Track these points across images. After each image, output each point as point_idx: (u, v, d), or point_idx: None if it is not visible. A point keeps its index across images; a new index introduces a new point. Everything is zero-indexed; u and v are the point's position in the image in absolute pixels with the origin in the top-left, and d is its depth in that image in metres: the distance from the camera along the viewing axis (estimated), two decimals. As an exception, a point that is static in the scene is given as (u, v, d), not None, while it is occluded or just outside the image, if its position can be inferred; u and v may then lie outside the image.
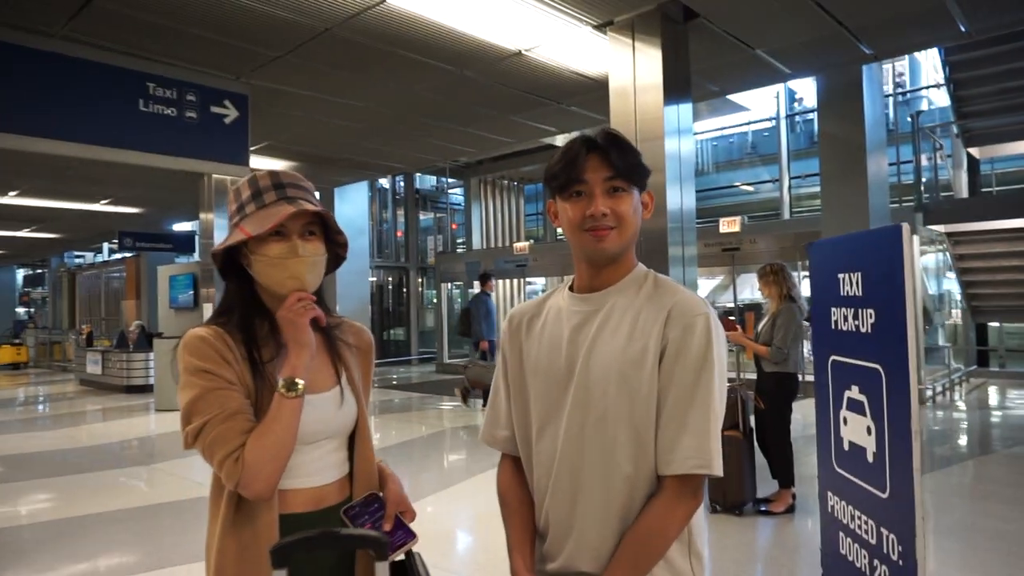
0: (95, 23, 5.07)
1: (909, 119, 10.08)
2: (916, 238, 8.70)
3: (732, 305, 11.31)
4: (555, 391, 1.31)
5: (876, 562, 1.89)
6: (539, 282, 15.74)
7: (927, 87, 14.23)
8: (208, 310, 9.79)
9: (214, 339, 1.28)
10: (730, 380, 4.68)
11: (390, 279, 17.59)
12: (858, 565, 2.00)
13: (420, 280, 17.17)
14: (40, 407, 11.91)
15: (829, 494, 2.23)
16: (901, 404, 1.73)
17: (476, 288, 10.60)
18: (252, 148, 8.79)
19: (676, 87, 5.39)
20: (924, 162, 9.57)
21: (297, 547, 1.14)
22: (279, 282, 1.32)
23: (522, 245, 13.19)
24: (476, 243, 15.49)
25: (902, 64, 15.62)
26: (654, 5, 5.13)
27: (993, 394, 9.79)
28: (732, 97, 9.25)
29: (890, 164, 10.31)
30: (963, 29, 5.78)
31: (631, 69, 5.41)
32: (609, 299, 1.32)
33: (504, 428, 1.41)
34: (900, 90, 15.23)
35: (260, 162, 9.60)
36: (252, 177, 1.38)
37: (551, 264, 13.09)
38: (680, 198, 5.38)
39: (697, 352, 1.22)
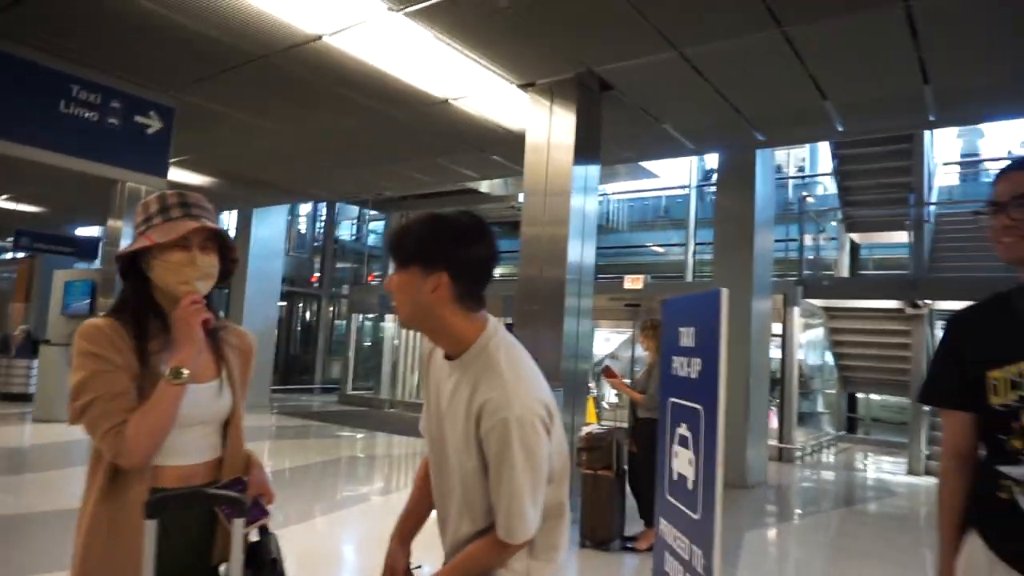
0: (25, 20, 5.08)
1: (799, 201, 11.04)
2: (796, 309, 9.50)
3: (629, 356, 11.86)
4: (435, 430, 1.58)
5: (688, 575, 2.22)
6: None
7: (822, 174, 15.55)
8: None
9: (108, 328, 1.47)
10: (605, 425, 5.04)
11: (301, 305, 17.40)
12: (676, 578, 2.32)
13: (332, 309, 17.06)
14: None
15: (661, 520, 2.55)
16: (713, 438, 2.08)
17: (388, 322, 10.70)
18: (173, 160, 8.73)
19: (586, 149, 5.85)
20: (809, 242, 10.49)
21: (168, 501, 1.35)
22: (176, 286, 1.54)
23: (437, 283, 13.42)
24: (392, 277, 15.57)
25: (803, 150, 17.04)
26: (572, 74, 5.60)
27: (857, 457, 10.64)
28: (645, 164, 9.94)
29: (783, 241, 11.25)
30: (840, 129, 6.54)
31: (547, 128, 5.84)
32: (456, 372, 1.52)
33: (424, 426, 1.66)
34: (799, 174, 16.57)
35: (181, 175, 9.52)
36: (161, 194, 1.59)
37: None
38: (580, 252, 5.77)
39: (497, 451, 1.42)
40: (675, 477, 2.37)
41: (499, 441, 1.41)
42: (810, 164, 17.14)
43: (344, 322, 16.00)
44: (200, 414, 1.54)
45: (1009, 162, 1.57)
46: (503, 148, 7.61)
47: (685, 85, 5.63)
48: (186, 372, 1.45)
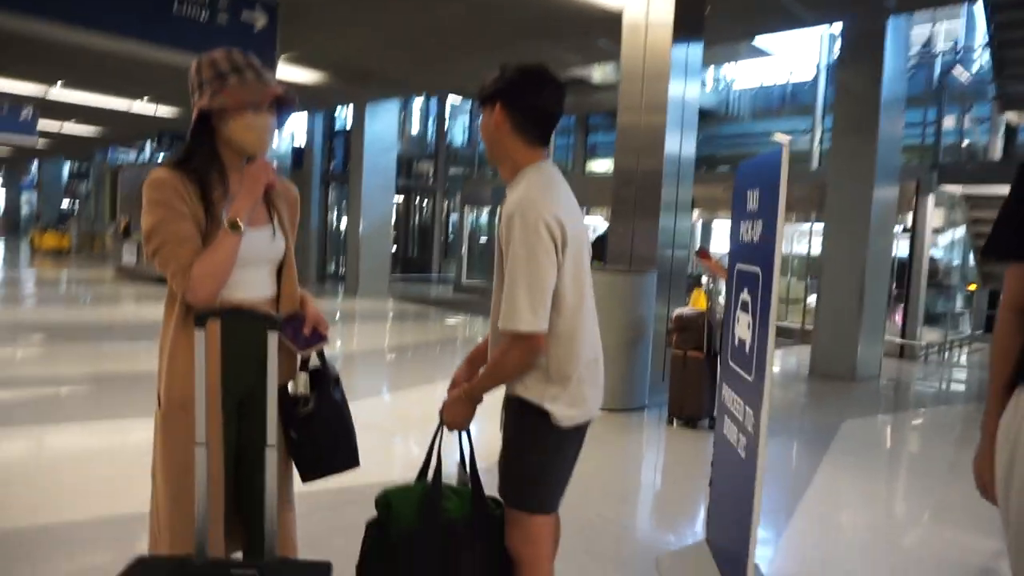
0: (136, -81, 5.33)
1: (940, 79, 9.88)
2: (931, 197, 8.71)
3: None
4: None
5: (740, 435, 2.24)
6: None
7: (973, 48, 13.75)
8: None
9: (172, 179, 1.60)
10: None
11: (417, 199, 17.94)
12: (731, 439, 2.35)
13: (447, 203, 17.47)
14: (79, 288, 12.68)
15: (724, 385, 2.57)
16: (768, 300, 2.04)
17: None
18: (283, 57, 9.06)
19: (688, 26, 5.50)
20: (953, 124, 9.45)
21: (213, 313, 1.56)
22: (251, 143, 1.66)
23: (545, 176, 13.35)
24: (505, 171, 15.67)
25: (957, 23, 15.07)
26: (673, -62, 5.21)
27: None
28: (758, 43, 9.20)
29: (921, 125, 10.20)
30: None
31: (645, 5, 5.52)
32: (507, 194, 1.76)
33: None
34: (947, 49, 14.74)
35: (290, 71, 9.86)
36: (227, 54, 1.69)
37: (580, 192, 13.24)
38: (679, 143, 5.55)
39: (506, 247, 1.63)
40: (736, 343, 2.36)
41: (507, 236, 1.63)
42: (964, 38, 15.18)
43: (458, 215, 16.40)
44: (257, 255, 1.70)
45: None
46: (607, 31, 7.27)
47: (801, -57, 5.11)
48: (243, 224, 1.59)
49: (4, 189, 34.62)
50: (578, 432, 1.80)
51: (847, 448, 4.72)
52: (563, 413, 1.71)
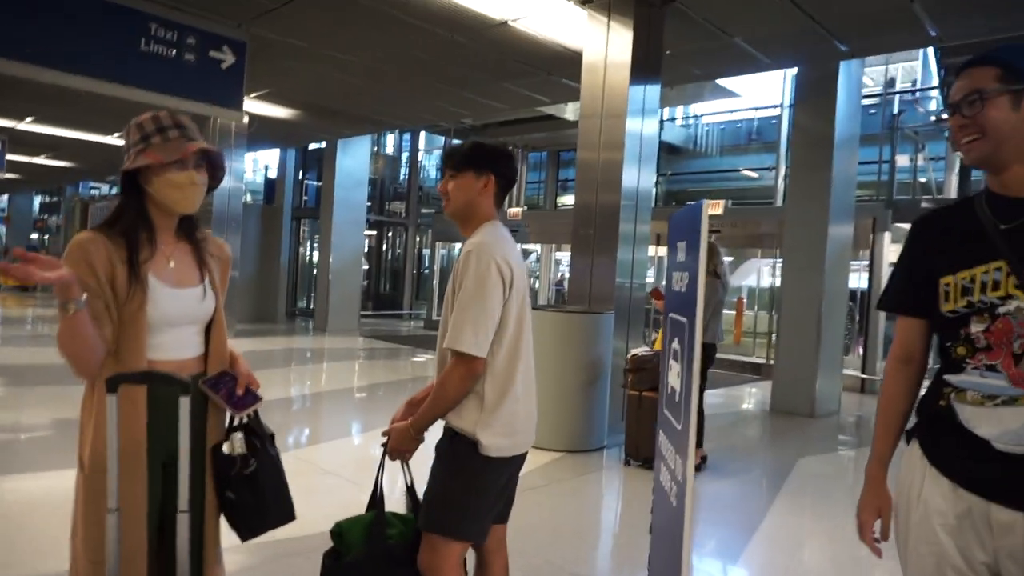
0: (100, -37, 5.39)
1: (891, 119, 10.23)
2: (887, 235, 8.95)
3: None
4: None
5: (672, 483, 2.28)
6: (535, 249, 16.07)
7: (925, 88, 14.26)
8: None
9: (89, 244, 1.61)
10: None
11: (389, 234, 17.97)
12: (665, 487, 2.39)
13: (418, 239, 17.53)
14: (44, 326, 12.47)
15: (659, 432, 2.61)
16: (692, 351, 2.10)
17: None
18: (254, 95, 9.15)
19: (645, 68, 5.66)
20: (906, 162, 9.75)
21: (124, 378, 1.57)
22: (175, 201, 1.70)
23: (516, 211, 13.49)
24: (475, 206, 15.78)
25: (916, 63, 15.63)
26: (629, -13, 5.38)
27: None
28: (725, 84, 9.47)
29: (876, 163, 10.50)
30: (932, 33, 5.99)
31: (604, 47, 5.68)
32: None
33: None
34: (900, 89, 15.26)
35: (262, 108, 9.93)
36: (155, 115, 1.73)
37: (543, 232, 13.40)
38: (637, 177, 5.67)
39: (459, 278, 1.86)
40: (668, 391, 2.41)
41: (461, 270, 1.86)
42: (922, 78, 15.72)
43: (430, 251, 16.45)
44: (186, 315, 1.72)
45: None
46: (568, 70, 7.44)
47: (750, -7, 5.31)
48: (72, 307, 1.51)
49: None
50: (507, 465, 1.94)
51: (800, 487, 4.78)
52: (492, 443, 1.86)
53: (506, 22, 6.25)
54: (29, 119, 11.94)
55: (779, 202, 13.29)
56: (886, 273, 9.23)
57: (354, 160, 13.10)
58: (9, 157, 13.69)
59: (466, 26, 6.37)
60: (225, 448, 1.76)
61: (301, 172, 16.36)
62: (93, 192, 24.66)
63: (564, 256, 15.06)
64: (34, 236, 29.61)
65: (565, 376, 5.15)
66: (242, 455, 1.75)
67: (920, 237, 1.53)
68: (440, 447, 1.95)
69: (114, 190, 23.62)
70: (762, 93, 16.32)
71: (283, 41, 7.05)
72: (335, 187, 12.88)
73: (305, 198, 17.00)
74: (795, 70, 7.99)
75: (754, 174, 16.55)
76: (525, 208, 14.73)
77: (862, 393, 8.84)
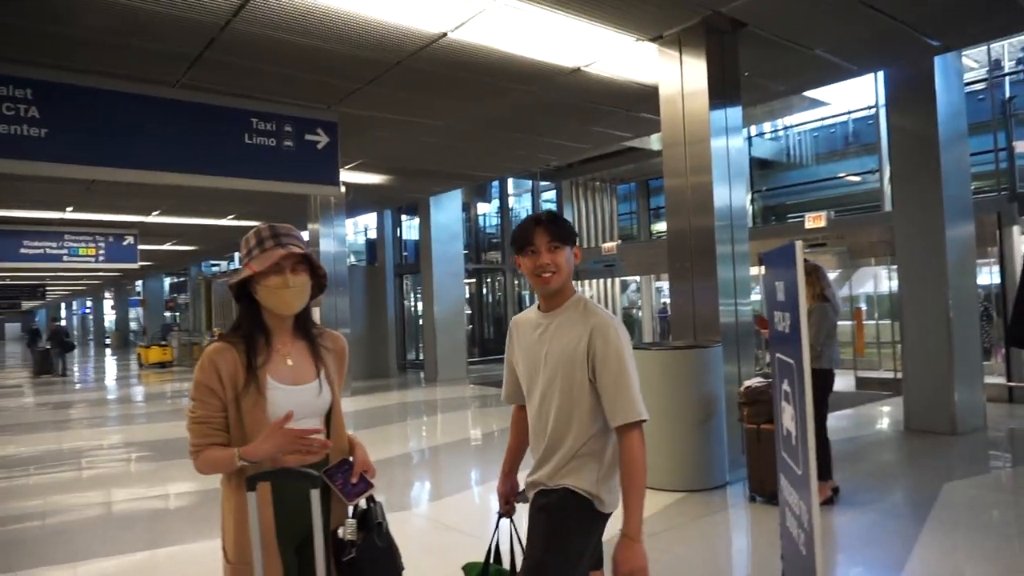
0: (206, 72, 5.94)
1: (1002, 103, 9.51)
2: (1015, 228, 8.27)
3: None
4: (533, 374, 2.10)
5: (799, 531, 2.19)
6: (634, 281, 15.90)
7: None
8: (316, 313, 10.83)
9: (216, 356, 1.78)
10: (766, 376, 4.88)
11: (488, 280, 18.29)
12: (793, 534, 2.29)
13: (516, 283, 17.76)
14: (181, 400, 13.46)
15: (781, 476, 2.52)
16: (803, 396, 2.03)
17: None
18: (349, 166, 9.70)
19: (723, 92, 5.60)
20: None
21: (262, 476, 1.70)
22: (275, 305, 1.84)
23: (610, 245, 13.45)
24: (569, 244, 15.86)
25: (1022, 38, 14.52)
26: (698, 19, 5.37)
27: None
28: (811, 93, 9.18)
29: (996, 151, 9.77)
30: (1034, 15, 5.61)
31: (679, 78, 5.67)
32: (554, 319, 2.07)
33: (513, 389, 2.26)
34: (1016, 70, 14.17)
35: (358, 177, 10.49)
36: (257, 229, 1.90)
37: (639, 264, 13.27)
38: (728, 196, 5.57)
39: (609, 351, 1.96)
40: (784, 433, 2.33)
41: (610, 343, 1.96)
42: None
43: (528, 292, 16.60)
44: (304, 410, 1.83)
45: None
46: (646, 104, 7.47)
47: (825, 4, 5.17)
48: (244, 462, 1.72)
49: (115, 310, 37.47)
50: (607, 519, 2.05)
51: (950, 517, 4.39)
52: (610, 499, 2.00)
53: (579, 68, 6.35)
54: (155, 212, 13.13)
55: (887, 206, 12.59)
56: (1019, 269, 8.51)
57: (447, 214, 13.53)
58: (141, 247, 15.03)
59: (541, 77, 6.53)
60: (339, 532, 1.85)
61: (399, 230, 17.04)
62: (214, 269, 26.59)
63: (665, 284, 14.81)
64: (167, 314, 32.18)
65: (678, 414, 5.05)
66: (350, 541, 1.82)
67: None
68: (550, 507, 1.99)
69: (231, 266, 25.41)
70: (853, 94, 15.60)
71: (369, 115, 7.46)
72: (432, 242, 13.33)
73: (405, 254, 17.64)
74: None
75: (856, 178, 15.77)
76: (619, 241, 14.66)
77: (1011, 403, 8.11)
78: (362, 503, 1.89)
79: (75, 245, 13.48)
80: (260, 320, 1.86)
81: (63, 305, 51.65)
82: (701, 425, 5.02)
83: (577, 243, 2.11)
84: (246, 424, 1.76)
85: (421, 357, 15.86)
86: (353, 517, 1.88)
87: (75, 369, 21.94)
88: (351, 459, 1.88)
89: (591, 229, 16.43)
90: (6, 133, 5.14)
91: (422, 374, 14.50)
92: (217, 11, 4.87)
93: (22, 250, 12.77)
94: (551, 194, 17.67)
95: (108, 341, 37.35)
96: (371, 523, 1.87)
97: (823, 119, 16.13)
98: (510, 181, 18.39)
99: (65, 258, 13.30)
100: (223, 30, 5.17)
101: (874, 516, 4.46)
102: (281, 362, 1.85)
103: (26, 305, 35.98)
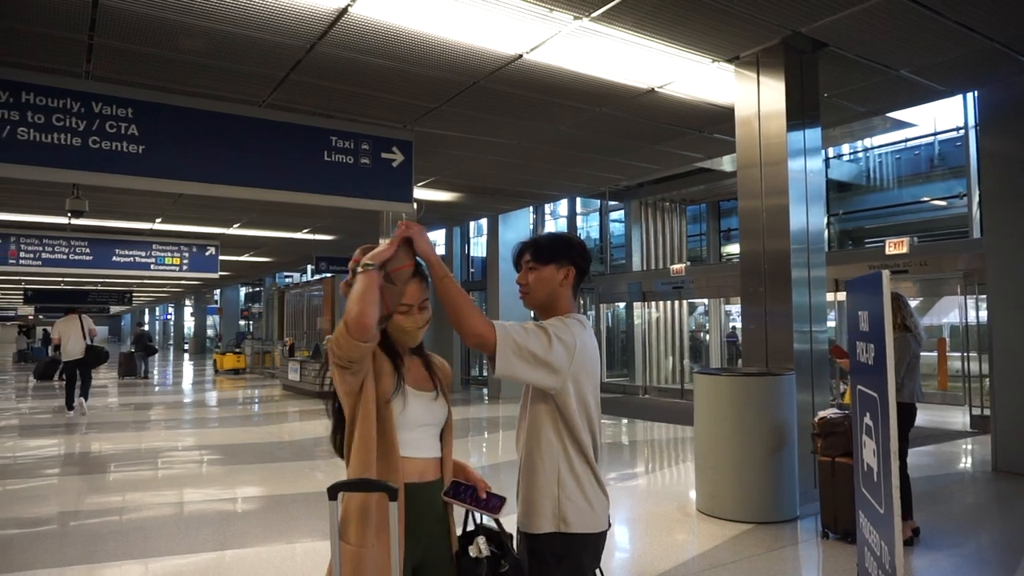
0: (290, 92, 6.20)
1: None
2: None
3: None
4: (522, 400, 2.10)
5: (880, 573, 2.09)
6: (702, 304, 15.61)
7: None
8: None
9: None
10: (843, 408, 4.70)
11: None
12: (872, 575, 2.19)
13: (580, 301, 17.70)
14: (253, 407, 13.93)
15: (860, 513, 2.41)
16: (887, 431, 1.95)
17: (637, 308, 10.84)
18: (421, 183, 9.91)
19: (802, 113, 5.48)
20: None
21: (342, 486, 1.71)
22: (402, 341, 1.94)
23: (678, 267, 13.25)
24: (636, 264, 15.73)
25: None
26: (777, 40, 5.29)
27: None
28: (896, 115, 8.86)
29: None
30: None
31: (755, 99, 5.58)
32: None
33: None
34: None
35: (430, 194, 10.69)
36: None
37: (708, 286, 13.02)
38: (805, 219, 5.42)
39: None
40: (865, 469, 2.24)
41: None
42: None
43: (594, 313, 16.50)
44: (425, 417, 1.91)
45: None
46: (721, 125, 7.37)
47: (911, 24, 5.01)
48: (370, 263, 1.72)
49: (194, 317, 39.19)
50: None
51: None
52: (576, 520, 1.95)
53: (653, 89, 6.33)
54: (236, 225, 13.70)
55: (975, 232, 12.00)
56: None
57: (515, 232, 13.62)
58: (221, 258, 15.69)
59: (614, 98, 6.53)
60: (472, 551, 1.87)
61: (467, 247, 17.24)
62: (287, 280, 27.47)
63: (735, 308, 14.50)
64: (242, 323, 33.40)
65: (748, 442, 4.91)
66: (488, 557, 1.84)
67: None
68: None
69: (303, 278, 26.21)
70: (939, 114, 14.98)
71: (443, 134, 7.61)
72: (499, 259, 13.43)
73: (472, 270, 17.82)
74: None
75: (942, 203, 15.10)
76: (688, 263, 14.43)
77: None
78: (487, 519, 1.93)
79: (162, 254, 14.17)
80: (390, 343, 1.94)
81: (146, 310, 54.34)
82: (772, 455, 4.87)
83: (564, 261, 2.03)
84: (384, 424, 1.81)
85: (484, 373, 15.94)
86: (473, 534, 1.90)
87: (156, 372, 22.99)
88: (461, 482, 1.95)
89: (659, 250, 16.23)
90: (109, 149, 5.48)
91: (485, 390, 14.58)
92: (304, 35, 5.08)
93: (114, 258, 13.50)
94: (619, 213, 17.56)
95: (186, 346, 39.06)
96: (505, 534, 1.90)
97: (906, 140, 15.57)
98: (578, 200, 18.39)
99: (152, 266, 13.99)
100: (308, 53, 5.39)
101: (957, 561, 4.22)
102: (408, 371, 1.94)
103: (114, 309, 38.04)
